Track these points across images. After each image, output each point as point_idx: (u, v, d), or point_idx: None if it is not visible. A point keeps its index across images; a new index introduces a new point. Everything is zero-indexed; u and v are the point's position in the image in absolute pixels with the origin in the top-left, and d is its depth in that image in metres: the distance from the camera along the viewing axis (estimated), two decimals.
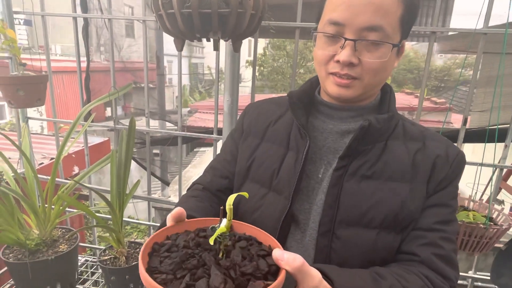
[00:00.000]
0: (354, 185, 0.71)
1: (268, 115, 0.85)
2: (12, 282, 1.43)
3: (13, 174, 1.32)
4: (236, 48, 1.09)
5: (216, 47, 0.91)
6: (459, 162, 0.74)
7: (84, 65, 1.74)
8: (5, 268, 1.46)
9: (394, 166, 0.72)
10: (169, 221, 0.59)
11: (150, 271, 0.47)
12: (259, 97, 1.09)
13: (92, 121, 1.52)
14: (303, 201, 0.75)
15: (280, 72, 14.55)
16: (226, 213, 0.50)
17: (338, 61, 0.67)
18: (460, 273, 1.49)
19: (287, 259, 0.49)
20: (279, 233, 0.75)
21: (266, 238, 0.54)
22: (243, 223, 0.58)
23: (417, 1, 0.69)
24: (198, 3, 0.82)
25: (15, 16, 1.49)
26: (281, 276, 0.46)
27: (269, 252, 0.51)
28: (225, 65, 1.41)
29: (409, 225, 0.71)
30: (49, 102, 1.55)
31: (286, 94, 0.83)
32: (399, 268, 0.68)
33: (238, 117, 0.95)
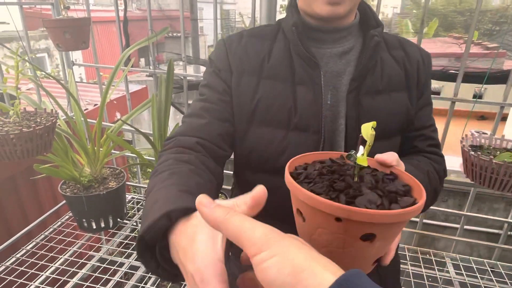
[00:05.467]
0: (370, 102, 0.75)
1: (256, 50, 0.78)
2: (71, 214, 1.61)
3: (64, 117, 1.42)
4: None
5: None
6: (430, 61, 0.83)
7: (121, 13, 1.74)
8: (64, 202, 1.63)
9: (393, 76, 0.77)
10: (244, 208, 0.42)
11: None
12: None
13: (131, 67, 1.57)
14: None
15: None
16: (364, 141, 0.47)
17: None
18: (497, 218, 1.49)
19: (388, 156, 0.52)
20: None
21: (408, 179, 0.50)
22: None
23: None
24: None
25: None
26: (424, 196, 0.44)
27: (395, 177, 0.51)
28: (261, 10, 1.37)
29: (410, 126, 0.81)
30: (86, 51, 1.59)
31: (264, 24, 0.83)
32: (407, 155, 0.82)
33: (213, 55, 0.82)
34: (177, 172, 0.59)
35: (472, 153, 0.94)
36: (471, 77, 1.46)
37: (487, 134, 1.20)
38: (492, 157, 0.92)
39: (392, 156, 0.52)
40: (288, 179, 0.46)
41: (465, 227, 1.54)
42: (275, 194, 0.79)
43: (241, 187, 0.88)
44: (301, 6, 0.75)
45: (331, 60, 0.76)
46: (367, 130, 0.46)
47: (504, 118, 5.22)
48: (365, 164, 0.46)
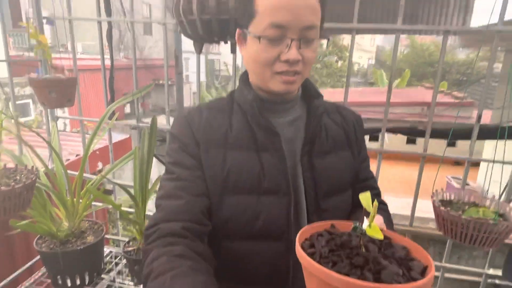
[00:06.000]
0: (321, 163, 0.83)
1: (218, 122, 0.83)
2: (44, 270, 1.54)
3: (44, 169, 1.41)
4: None
5: (234, 50, 0.96)
6: (362, 122, 0.95)
7: (107, 64, 1.82)
8: (38, 257, 1.56)
9: (336, 138, 0.88)
10: None
11: None
12: None
13: (115, 119, 1.60)
14: None
15: None
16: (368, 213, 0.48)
17: (286, 61, 0.74)
18: (475, 269, 1.51)
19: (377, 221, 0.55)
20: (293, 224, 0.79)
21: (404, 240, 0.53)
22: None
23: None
24: (217, 10, 0.87)
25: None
26: (433, 268, 0.46)
27: (389, 240, 0.53)
28: (243, 62, 1.46)
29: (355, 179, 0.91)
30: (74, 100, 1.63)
31: (216, 98, 0.92)
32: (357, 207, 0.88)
33: (175, 130, 0.85)
34: (178, 274, 0.60)
35: (442, 208, 0.98)
36: (439, 133, 1.57)
37: (461, 179, 1.27)
38: (461, 212, 0.96)
39: (379, 220, 0.58)
40: (315, 266, 0.45)
41: (448, 275, 1.55)
42: (254, 259, 0.81)
43: (221, 256, 0.85)
44: (256, 82, 0.83)
45: (285, 128, 0.85)
46: (367, 201, 0.48)
47: (477, 164, 5.42)
48: (380, 237, 0.46)
